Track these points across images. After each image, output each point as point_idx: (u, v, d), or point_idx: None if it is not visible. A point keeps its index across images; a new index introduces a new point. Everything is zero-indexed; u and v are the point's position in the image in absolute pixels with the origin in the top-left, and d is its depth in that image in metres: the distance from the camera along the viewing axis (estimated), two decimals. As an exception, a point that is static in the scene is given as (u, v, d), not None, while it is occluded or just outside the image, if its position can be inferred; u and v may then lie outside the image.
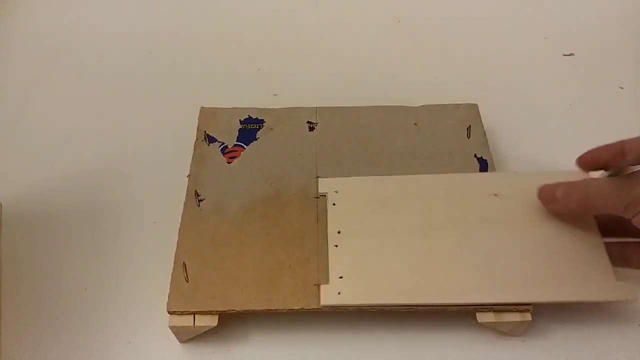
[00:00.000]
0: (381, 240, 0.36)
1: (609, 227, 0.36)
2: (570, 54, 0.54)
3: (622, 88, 0.51)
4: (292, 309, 0.34)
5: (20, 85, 0.53)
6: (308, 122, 0.44)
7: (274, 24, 0.59)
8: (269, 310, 0.34)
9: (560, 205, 0.34)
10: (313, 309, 0.34)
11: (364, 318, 0.37)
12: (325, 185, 0.39)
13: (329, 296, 0.34)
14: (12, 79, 0.53)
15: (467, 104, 0.45)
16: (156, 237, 0.41)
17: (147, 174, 0.46)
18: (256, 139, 0.43)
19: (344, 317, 0.36)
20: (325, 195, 0.39)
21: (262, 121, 0.44)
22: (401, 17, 0.58)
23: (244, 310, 0.34)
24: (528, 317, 0.34)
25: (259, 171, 0.41)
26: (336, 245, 0.36)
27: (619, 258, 0.36)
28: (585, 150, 0.35)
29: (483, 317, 0.34)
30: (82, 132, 0.49)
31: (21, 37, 0.57)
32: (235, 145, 0.43)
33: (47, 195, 0.44)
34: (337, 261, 0.35)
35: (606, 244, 0.35)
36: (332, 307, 0.34)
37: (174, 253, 0.36)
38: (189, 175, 0.41)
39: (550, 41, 0.56)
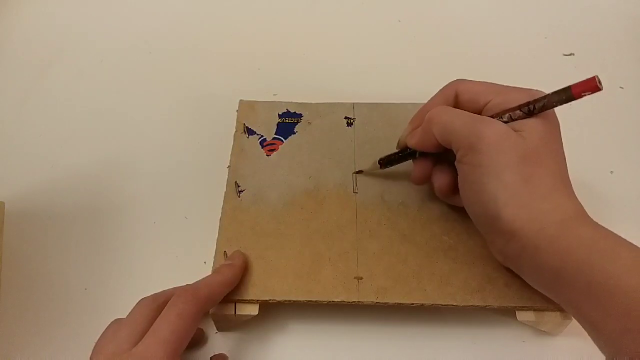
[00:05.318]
0: None
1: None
2: (570, 54, 0.54)
3: (622, 88, 0.51)
4: (333, 301, 0.34)
5: (20, 85, 0.52)
6: (346, 118, 0.44)
7: (274, 24, 0.58)
8: (309, 301, 0.34)
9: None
10: (353, 301, 0.34)
11: (400, 312, 0.37)
12: None
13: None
14: (12, 79, 0.53)
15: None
16: (156, 237, 0.41)
17: (147, 174, 0.45)
18: (294, 133, 0.44)
19: (381, 310, 0.36)
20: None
21: (300, 115, 0.45)
22: (401, 17, 0.58)
23: (285, 300, 0.34)
24: (569, 317, 0.34)
25: (298, 165, 0.41)
26: None
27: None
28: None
29: (523, 316, 0.34)
30: (82, 132, 0.49)
31: (21, 37, 0.57)
32: (274, 138, 0.43)
33: (47, 195, 0.44)
34: None
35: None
36: (372, 301, 0.34)
37: (215, 241, 0.37)
38: (229, 166, 0.41)
39: (550, 41, 0.56)
